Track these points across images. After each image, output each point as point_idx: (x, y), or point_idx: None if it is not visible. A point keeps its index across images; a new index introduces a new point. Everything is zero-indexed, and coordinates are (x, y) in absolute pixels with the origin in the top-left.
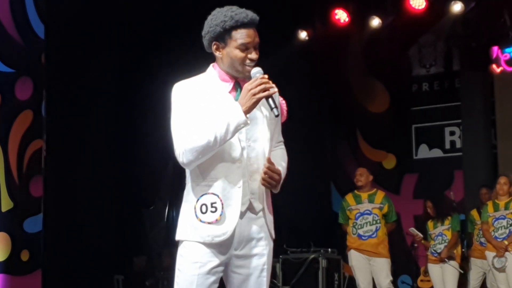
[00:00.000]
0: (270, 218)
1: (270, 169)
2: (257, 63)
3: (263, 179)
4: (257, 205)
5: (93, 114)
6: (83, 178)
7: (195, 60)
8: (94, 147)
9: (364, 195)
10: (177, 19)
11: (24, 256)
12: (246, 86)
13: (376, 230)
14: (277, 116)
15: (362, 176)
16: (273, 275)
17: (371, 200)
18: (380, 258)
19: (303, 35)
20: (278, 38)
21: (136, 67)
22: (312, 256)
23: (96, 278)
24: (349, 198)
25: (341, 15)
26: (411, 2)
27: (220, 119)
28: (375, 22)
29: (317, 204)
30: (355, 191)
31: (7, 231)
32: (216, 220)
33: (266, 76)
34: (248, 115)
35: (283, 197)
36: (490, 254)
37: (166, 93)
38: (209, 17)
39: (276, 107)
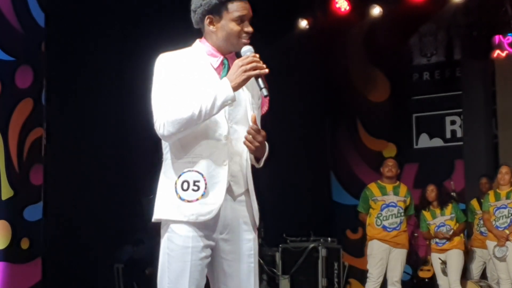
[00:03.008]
0: (255, 204)
1: (253, 128)
2: (259, 51)
3: (246, 138)
4: (236, 189)
5: (93, 103)
6: (83, 167)
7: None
8: (94, 136)
9: (389, 187)
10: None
11: (24, 244)
12: (237, 62)
13: (400, 222)
14: (266, 96)
15: (394, 167)
16: (273, 264)
17: (396, 193)
18: (400, 249)
19: (303, 23)
20: (279, 27)
21: (136, 55)
22: (312, 245)
23: (96, 267)
24: (373, 188)
25: (341, 4)
26: None
27: (207, 92)
28: (376, 10)
29: (316, 193)
30: (379, 182)
31: (7, 219)
32: (197, 199)
33: (257, 55)
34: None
35: (283, 186)
36: (491, 244)
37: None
38: None
39: (265, 87)
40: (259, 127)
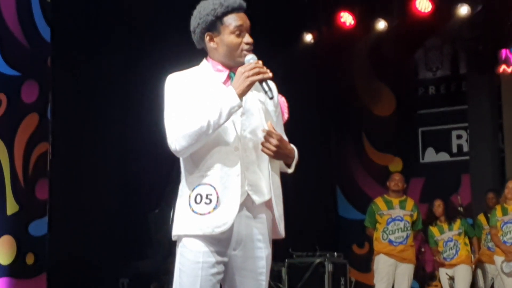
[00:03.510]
0: (280, 213)
1: (268, 132)
2: (264, 65)
3: (262, 144)
4: (257, 198)
5: (99, 117)
6: (89, 181)
7: (202, 54)
8: (99, 150)
9: (395, 201)
10: (183, 18)
11: (29, 259)
12: (240, 69)
13: (407, 236)
14: (271, 98)
15: (400, 181)
16: (279, 279)
17: (402, 207)
18: (407, 264)
19: (308, 38)
20: (284, 40)
21: (142, 70)
22: (318, 260)
23: (101, 281)
24: (380, 202)
25: (346, 18)
26: (417, 5)
27: (213, 103)
28: (381, 25)
29: (322, 208)
30: (385, 196)
31: (12, 234)
32: (209, 212)
33: (260, 62)
34: (242, 104)
35: (289, 201)
36: (498, 259)
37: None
38: (196, 11)
39: (270, 90)
40: (281, 134)
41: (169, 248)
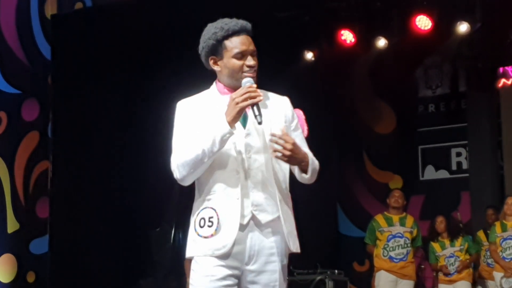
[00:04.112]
0: (289, 230)
1: (280, 136)
2: (265, 83)
3: (272, 148)
4: (263, 217)
5: (99, 136)
6: (89, 200)
7: (202, 78)
8: (100, 169)
9: (395, 218)
10: (183, 38)
11: (30, 277)
12: (232, 95)
13: (407, 253)
14: (259, 123)
15: (401, 198)
16: None
17: (402, 224)
18: (408, 281)
19: (309, 55)
20: (284, 58)
21: (142, 88)
22: (319, 277)
23: None
24: (380, 219)
25: (347, 36)
26: (417, 23)
27: (207, 132)
28: (381, 42)
29: (323, 225)
30: (385, 213)
31: (13, 253)
32: (211, 235)
33: (254, 85)
34: (246, 125)
35: None
36: (498, 275)
37: (173, 115)
38: (203, 33)
39: (259, 114)
40: (303, 149)
41: (170, 266)
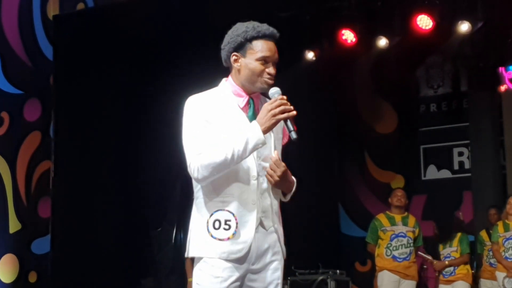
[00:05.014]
0: (281, 235)
1: (274, 161)
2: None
3: (267, 172)
4: (268, 223)
5: (101, 135)
6: (91, 199)
7: (205, 78)
8: (102, 169)
9: (397, 217)
10: (185, 38)
11: (32, 277)
12: (266, 106)
13: (410, 253)
14: (294, 139)
15: (403, 197)
16: None
17: (405, 223)
18: (410, 281)
19: (310, 55)
20: (285, 58)
21: (145, 87)
22: (321, 277)
23: None
24: (382, 218)
25: (348, 36)
26: (418, 22)
27: (238, 137)
28: (382, 42)
29: (325, 225)
30: (388, 212)
31: (15, 253)
32: (228, 238)
33: (285, 97)
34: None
35: (291, 218)
36: (500, 275)
37: (175, 114)
38: (231, 30)
39: (294, 130)
40: (281, 159)
41: (171, 266)
